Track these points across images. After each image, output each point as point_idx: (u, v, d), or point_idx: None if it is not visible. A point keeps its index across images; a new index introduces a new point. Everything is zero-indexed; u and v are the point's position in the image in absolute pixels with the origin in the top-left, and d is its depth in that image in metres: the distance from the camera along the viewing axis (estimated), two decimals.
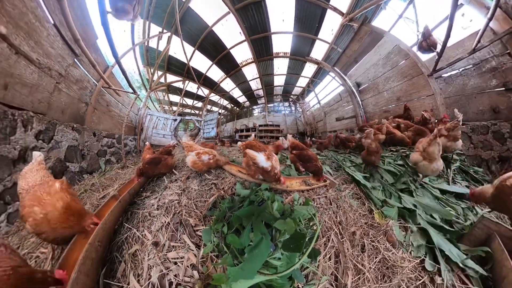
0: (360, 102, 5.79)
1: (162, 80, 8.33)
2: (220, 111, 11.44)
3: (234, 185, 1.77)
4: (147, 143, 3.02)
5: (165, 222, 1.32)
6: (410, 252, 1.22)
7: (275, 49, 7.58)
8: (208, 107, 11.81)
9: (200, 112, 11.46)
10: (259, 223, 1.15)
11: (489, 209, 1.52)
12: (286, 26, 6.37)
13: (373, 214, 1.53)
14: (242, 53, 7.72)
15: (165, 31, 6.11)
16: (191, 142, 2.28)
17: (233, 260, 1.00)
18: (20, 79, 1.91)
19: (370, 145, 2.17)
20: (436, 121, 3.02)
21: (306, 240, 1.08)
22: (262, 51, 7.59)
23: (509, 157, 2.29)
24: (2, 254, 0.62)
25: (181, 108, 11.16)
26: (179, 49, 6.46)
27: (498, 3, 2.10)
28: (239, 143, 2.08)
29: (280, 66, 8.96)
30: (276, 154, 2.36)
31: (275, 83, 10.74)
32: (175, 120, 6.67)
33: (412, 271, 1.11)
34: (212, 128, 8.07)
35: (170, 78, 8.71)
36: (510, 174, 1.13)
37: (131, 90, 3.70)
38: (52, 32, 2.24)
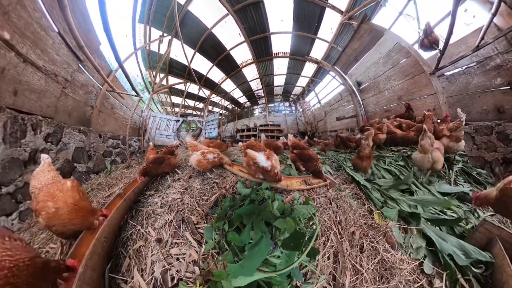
0: (360, 101, 5.66)
1: (164, 82, 8.42)
2: (221, 111, 11.49)
3: (235, 184, 1.78)
4: (150, 143, 3.07)
5: (168, 219, 1.35)
6: (409, 254, 1.19)
7: (274, 49, 7.55)
8: (210, 108, 11.88)
9: (202, 113, 11.54)
10: (260, 221, 1.16)
11: (491, 213, 1.48)
12: (285, 26, 6.33)
13: (373, 214, 1.50)
14: (242, 54, 7.72)
15: (165, 34, 6.17)
16: (195, 141, 2.31)
17: (234, 257, 1.02)
18: (29, 85, 1.98)
19: (363, 150, 2.02)
20: (438, 120, 2.86)
21: (306, 239, 1.08)
22: (262, 51, 7.57)
23: None
24: (20, 247, 0.67)
25: (183, 109, 11.26)
26: (180, 51, 6.52)
27: None
28: (240, 143, 2.11)
29: (280, 66, 8.92)
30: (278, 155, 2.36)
31: (275, 83, 10.70)
32: (178, 121, 6.75)
33: (410, 273, 1.09)
34: (214, 128, 8.12)
35: (172, 80, 8.80)
36: None
37: (134, 93, 3.76)
38: (57, 40, 2.31)
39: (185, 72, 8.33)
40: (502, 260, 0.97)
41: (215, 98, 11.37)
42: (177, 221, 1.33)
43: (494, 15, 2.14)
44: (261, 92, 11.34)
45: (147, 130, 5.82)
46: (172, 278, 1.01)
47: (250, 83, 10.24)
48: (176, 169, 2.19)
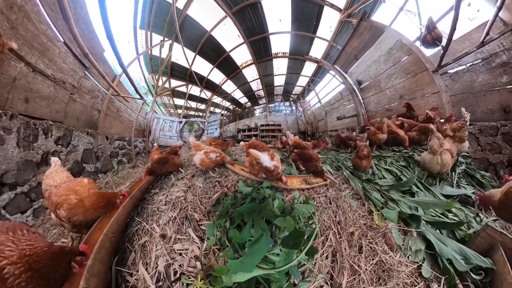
0: (361, 100, 5.46)
1: (166, 85, 8.51)
2: (222, 112, 11.53)
3: (237, 183, 1.78)
4: (155, 144, 3.14)
5: (172, 216, 1.37)
6: (408, 257, 1.16)
7: (274, 50, 7.50)
8: (211, 108, 11.93)
9: (204, 114, 11.61)
10: (260, 219, 1.16)
11: (494, 218, 1.41)
12: (283, 26, 6.28)
13: (373, 215, 1.46)
14: (242, 55, 7.72)
15: (166, 39, 6.23)
16: (198, 142, 2.34)
17: (234, 254, 1.03)
18: (39, 93, 2.07)
19: (362, 151, 2.00)
20: (441, 120, 2.74)
21: (305, 238, 1.08)
22: (261, 52, 7.52)
23: None
24: (38, 237, 0.75)
25: (185, 111, 11.36)
26: (181, 55, 6.57)
27: None
28: (242, 143, 2.12)
29: (280, 66, 8.85)
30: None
31: (276, 83, 10.65)
32: (180, 122, 6.84)
33: (408, 276, 1.06)
34: (216, 128, 8.19)
35: (174, 83, 8.88)
36: None
37: (138, 96, 3.84)
38: (63, 49, 2.39)
39: (186, 75, 8.40)
40: (503, 268, 0.92)
41: (217, 99, 11.42)
42: (181, 218, 1.36)
43: (499, 9, 1.99)
44: (261, 93, 11.32)
45: (151, 132, 5.92)
46: (175, 272, 1.04)
47: (250, 83, 10.23)
48: (180, 168, 2.22)
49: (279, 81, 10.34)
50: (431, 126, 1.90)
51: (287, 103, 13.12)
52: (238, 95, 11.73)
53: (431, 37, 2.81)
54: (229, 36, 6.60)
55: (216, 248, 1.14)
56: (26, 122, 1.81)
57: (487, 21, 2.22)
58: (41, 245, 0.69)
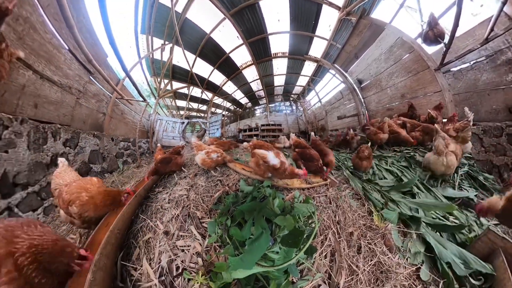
0: (362, 99, 5.31)
1: (168, 87, 8.59)
2: (223, 113, 11.58)
3: (238, 182, 1.79)
4: (158, 144, 3.19)
5: (175, 214, 1.39)
6: (407, 259, 1.14)
7: (273, 50, 7.46)
8: (212, 109, 11.99)
9: (205, 115, 11.67)
10: (260, 218, 1.16)
11: (496, 222, 1.34)
12: (282, 26, 6.23)
13: (373, 216, 1.43)
14: (241, 56, 7.72)
15: (166, 42, 6.26)
16: (200, 142, 2.36)
17: (234, 251, 1.04)
18: (47, 98, 2.14)
19: (362, 152, 1.95)
20: (444, 120, 2.60)
21: (304, 237, 1.07)
22: (261, 52, 7.50)
23: None
24: (50, 230, 0.80)
25: (187, 112, 11.45)
26: (182, 58, 6.63)
27: None
28: (245, 143, 2.12)
29: (280, 66, 8.80)
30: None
31: (276, 83, 10.60)
32: (183, 123, 6.91)
33: (406, 278, 1.04)
34: (217, 129, 8.24)
35: (176, 85, 8.95)
36: None
37: (141, 99, 3.90)
38: (68, 56, 2.45)
39: (187, 77, 8.45)
40: (503, 274, 0.89)
41: (218, 100, 11.47)
42: (183, 215, 1.38)
43: (504, 3, 1.87)
44: (261, 93, 11.31)
45: (155, 133, 6.01)
46: (177, 268, 1.06)
47: (250, 84, 10.23)
48: (183, 168, 2.25)
49: (279, 81, 10.31)
50: (436, 126, 1.79)
51: (287, 103, 13.07)
52: (239, 95, 11.74)
53: (433, 33, 2.64)
54: (228, 37, 6.62)
55: (217, 245, 1.16)
56: (35, 126, 1.88)
57: (491, 16, 2.10)
58: (48, 238, 0.74)
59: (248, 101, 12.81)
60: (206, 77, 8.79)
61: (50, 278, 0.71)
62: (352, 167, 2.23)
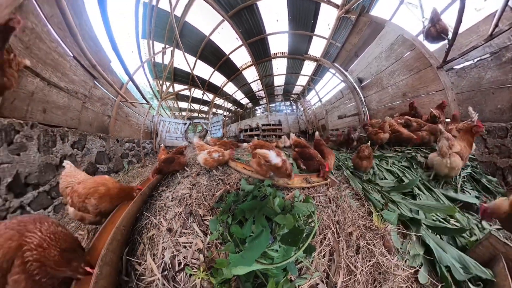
0: (363, 98, 5.16)
1: (170, 90, 8.67)
2: (225, 113, 11.61)
3: (239, 181, 1.79)
4: (162, 145, 3.23)
5: (178, 212, 1.41)
6: (405, 261, 1.11)
7: (272, 50, 7.41)
8: (214, 110, 12.02)
9: (207, 115, 11.73)
10: (261, 216, 1.16)
11: (499, 227, 1.30)
12: (281, 26, 6.17)
13: (372, 216, 1.40)
14: (241, 57, 7.70)
15: (167, 46, 6.30)
16: (202, 142, 2.37)
17: (235, 248, 1.04)
18: (55, 103, 2.21)
19: (362, 151, 1.91)
20: (447, 120, 2.51)
21: (303, 236, 1.07)
22: (260, 53, 7.45)
23: None
24: (59, 231, 0.83)
25: (189, 113, 11.53)
26: (182, 60, 6.67)
27: None
28: (245, 144, 2.11)
29: (279, 66, 8.73)
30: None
31: (276, 83, 10.54)
32: (185, 124, 6.98)
33: (404, 281, 1.02)
34: (218, 129, 8.28)
35: (178, 87, 9.02)
36: None
37: (144, 101, 3.96)
38: (73, 63, 2.51)
39: (189, 79, 8.50)
40: (503, 281, 0.85)
41: (219, 101, 11.50)
42: (186, 213, 1.40)
43: None
44: (262, 93, 11.29)
45: (158, 134, 6.08)
46: (179, 263, 1.08)
47: (251, 84, 10.21)
48: (185, 167, 2.27)
49: (279, 81, 10.25)
50: (440, 126, 1.71)
51: (288, 103, 12.99)
52: (239, 96, 11.75)
53: (435, 29, 2.46)
54: (227, 39, 6.62)
55: (218, 242, 1.17)
56: (45, 130, 1.95)
57: (495, 11, 1.98)
58: (57, 247, 0.75)
59: (248, 101, 12.81)
60: (207, 78, 8.83)
61: (51, 279, 0.73)
62: (352, 167, 2.20)
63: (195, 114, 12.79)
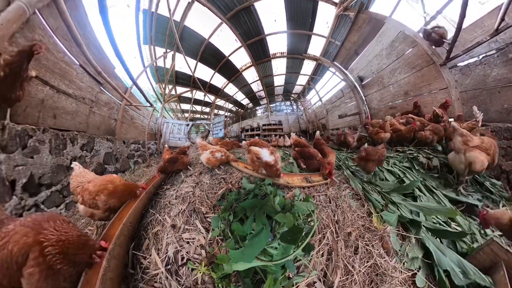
0: (363, 97, 4.98)
1: (173, 92, 8.76)
2: (226, 114, 11.66)
3: (240, 180, 1.78)
4: (166, 145, 3.28)
5: (181, 209, 1.43)
6: (404, 263, 1.09)
7: (271, 50, 7.36)
8: (215, 111, 12.09)
9: (209, 116, 11.81)
10: (261, 214, 1.17)
11: (501, 233, 1.22)
12: (279, 26, 6.12)
13: (372, 217, 1.37)
14: (241, 58, 7.70)
15: (168, 50, 6.36)
16: (204, 142, 2.40)
17: (236, 245, 1.05)
18: (64, 109, 2.30)
19: (369, 152, 1.84)
20: (450, 119, 2.37)
21: (303, 234, 1.07)
22: (259, 53, 7.42)
23: None
24: (71, 227, 0.88)
25: (192, 114, 11.64)
26: (183, 64, 6.72)
27: None
28: (243, 142, 2.14)
29: (279, 66, 8.66)
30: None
31: (276, 83, 10.48)
32: (188, 125, 7.06)
33: (401, 283, 0.99)
34: (220, 129, 8.34)
35: (180, 89, 9.11)
36: None
37: (148, 104, 4.04)
38: (79, 71, 2.60)
39: (190, 81, 8.57)
40: None
41: (220, 102, 11.55)
42: (189, 210, 1.41)
43: None
44: (262, 93, 11.26)
45: (162, 135, 6.18)
46: (182, 258, 1.11)
47: (251, 85, 10.20)
48: (188, 167, 2.28)
49: (279, 81, 10.20)
50: (454, 124, 1.60)
51: (288, 103, 12.91)
52: (240, 97, 11.77)
53: (433, 38, 2.46)
54: (226, 41, 6.62)
55: (219, 239, 1.19)
56: (55, 134, 2.04)
57: (501, 4, 1.83)
58: (73, 233, 0.83)
59: (249, 101, 12.81)
60: (208, 80, 8.87)
61: (71, 267, 0.80)
62: (352, 167, 2.15)
63: (197, 115, 12.90)
